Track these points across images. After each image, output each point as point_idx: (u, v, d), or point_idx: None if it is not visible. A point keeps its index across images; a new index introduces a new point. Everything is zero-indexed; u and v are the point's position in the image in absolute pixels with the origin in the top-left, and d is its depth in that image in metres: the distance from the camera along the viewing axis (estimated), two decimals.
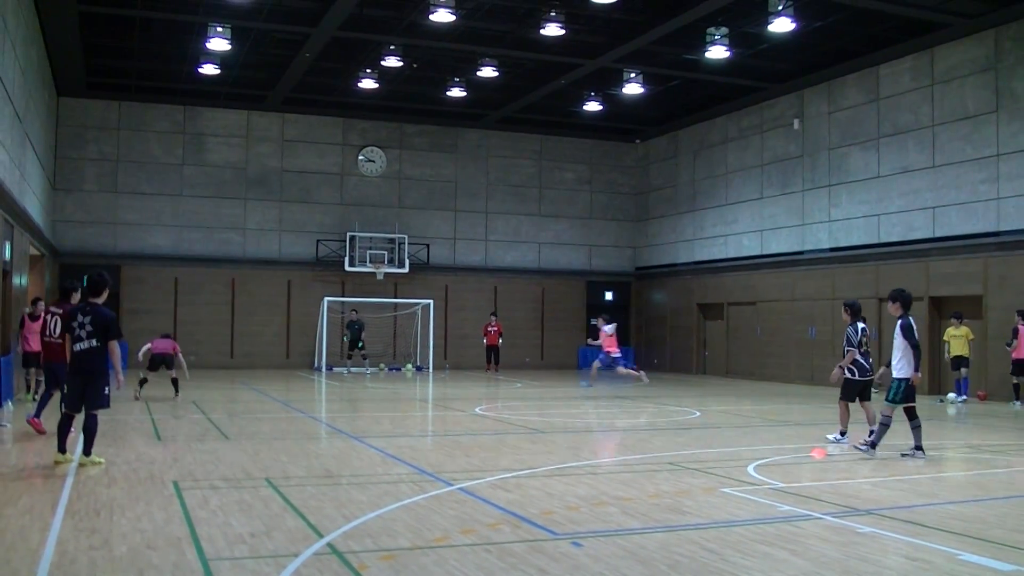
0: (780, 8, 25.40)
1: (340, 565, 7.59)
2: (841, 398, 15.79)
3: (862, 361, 15.57)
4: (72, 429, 12.97)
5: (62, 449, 12.75)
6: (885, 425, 14.35)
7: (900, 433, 15.23)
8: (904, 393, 14.19)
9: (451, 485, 11.29)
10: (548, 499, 10.47)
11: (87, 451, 12.53)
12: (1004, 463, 14.25)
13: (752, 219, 35.74)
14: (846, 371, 15.68)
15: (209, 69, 31.83)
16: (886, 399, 14.36)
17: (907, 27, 27.20)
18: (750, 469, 12.79)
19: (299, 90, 35.44)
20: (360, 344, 36.21)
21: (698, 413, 21.70)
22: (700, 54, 29.13)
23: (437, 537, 8.57)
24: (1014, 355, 24.27)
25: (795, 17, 25.66)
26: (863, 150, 30.72)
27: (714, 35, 27.67)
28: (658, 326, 41.80)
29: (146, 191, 36.80)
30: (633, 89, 33.13)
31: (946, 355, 25.62)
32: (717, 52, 28.37)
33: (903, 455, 14.27)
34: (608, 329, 28.92)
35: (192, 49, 30.40)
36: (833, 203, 31.82)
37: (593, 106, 36.25)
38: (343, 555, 7.89)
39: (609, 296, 43.23)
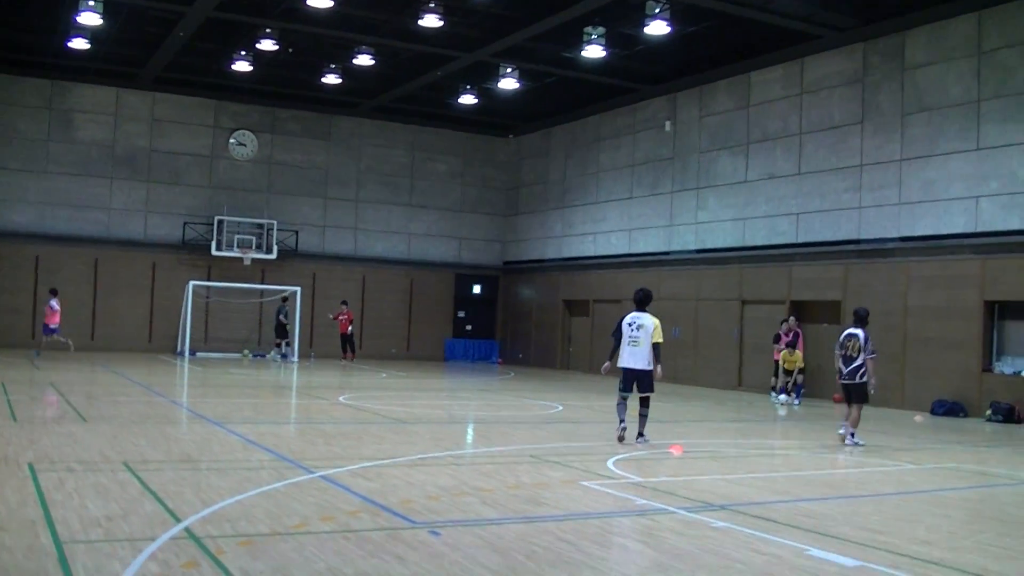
0: (656, 11, 25.74)
1: (197, 550, 7.53)
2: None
3: (840, 365, 16.69)
4: None
5: None
6: (618, 404, 15.62)
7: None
8: (622, 381, 15.59)
9: (312, 473, 11.26)
10: (408, 488, 10.50)
11: None
12: (855, 463, 14.67)
13: (621, 218, 36.15)
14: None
15: (79, 44, 31.10)
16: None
17: (779, 37, 27.77)
18: (609, 463, 12.97)
19: (171, 69, 34.87)
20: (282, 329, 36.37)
21: (560, 407, 21.91)
22: (576, 52, 29.35)
23: (296, 523, 8.55)
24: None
25: (671, 21, 26.00)
26: (732, 155, 31.31)
27: (591, 34, 27.91)
28: (524, 321, 42.07)
29: (10, 166, 35.80)
30: (509, 84, 33.24)
31: (775, 376, 26.66)
32: (593, 51, 28.60)
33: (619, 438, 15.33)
34: (54, 304, 30.85)
35: (62, 22, 29.65)
36: (701, 205, 32.37)
37: (468, 99, 36.35)
38: (200, 540, 7.82)
39: (477, 289, 43.42)
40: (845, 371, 16.49)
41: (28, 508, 8.74)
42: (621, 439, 15.13)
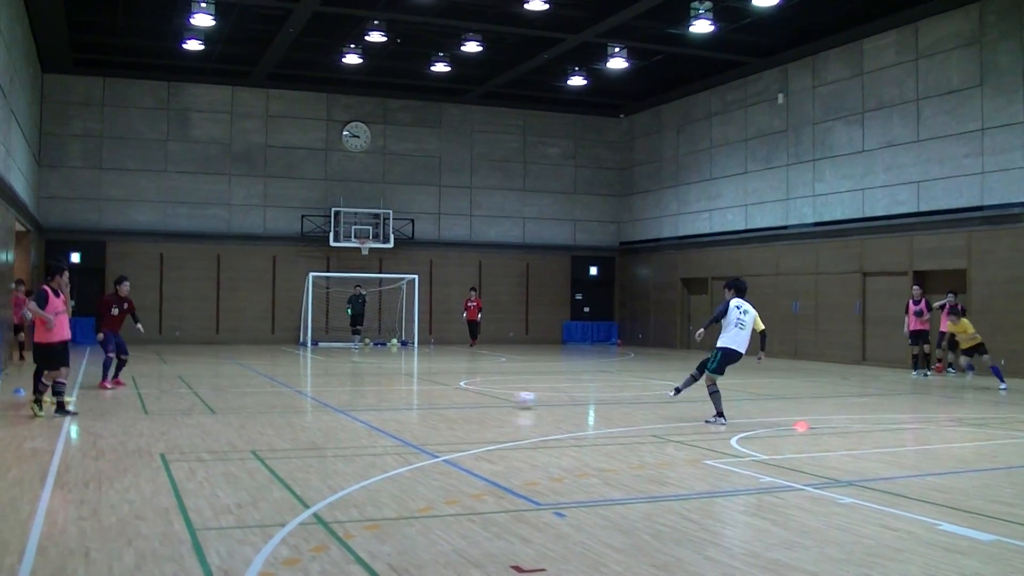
0: None
1: (326, 534, 7.65)
2: None
3: None
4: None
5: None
6: (713, 393, 15.19)
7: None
8: (720, 363, 15.19)
9: (436, 457, 11.36)
10: (532, 470, 10.54)
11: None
12: (985, 435, 14.36)
13: (736, 194, 35.79)
14: None
15: (193, 45, 31.80)
16: (708, 369, 15.30)
17: (891, 1, 27.22)
18: (733, 441, 12.88)
19: (283, 66, 35.38)
20: (360, 318, 36.77)
21: None
22: (684, 28, 29.08)
23: (421, 507, 8.64)
24: (941, 328, 25.03)
25: None
26: (847, 124, 30.78)
27: (698, 9, 27.62)
28: (642, 300, 41.89)
29: (131, 167, 36.77)
30: (617, 64, 33.09)
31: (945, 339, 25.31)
32: (701, 26, 28.29)
33: (706, 422, 14.94)
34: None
35: (176, 25, 30.31)
36: (817, 177, 31.90)
37: (577, 81, 36.24)
38: (329, 525, 7.95)
39: (594, 271, 43.32)
40: None
41: (161, 497, 8.98)
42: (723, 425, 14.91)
